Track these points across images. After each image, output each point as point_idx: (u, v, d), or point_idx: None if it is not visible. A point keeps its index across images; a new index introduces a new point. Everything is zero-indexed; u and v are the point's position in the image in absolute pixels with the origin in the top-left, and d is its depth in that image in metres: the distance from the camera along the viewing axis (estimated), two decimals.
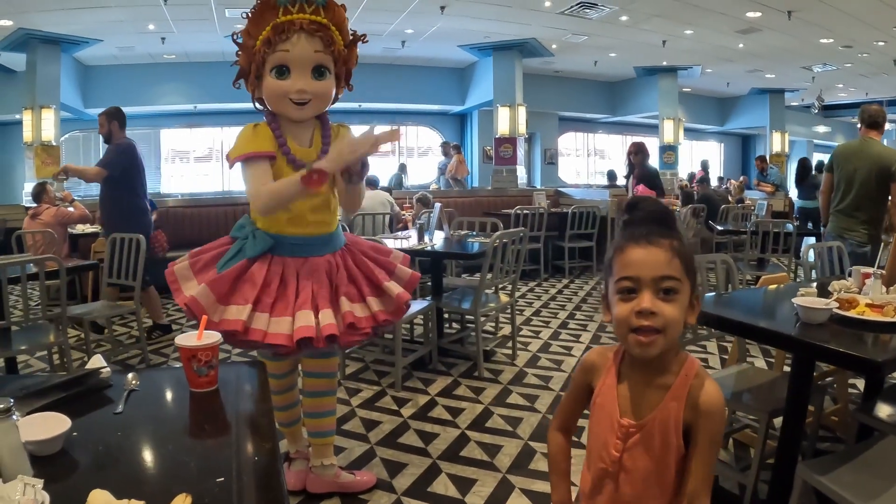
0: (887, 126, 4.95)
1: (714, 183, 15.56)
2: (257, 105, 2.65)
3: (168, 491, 1.11)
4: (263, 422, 1.50)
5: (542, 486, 3.01)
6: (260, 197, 2.45)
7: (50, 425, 1.32)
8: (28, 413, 1.39)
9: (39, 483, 1.04)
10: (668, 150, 14.96)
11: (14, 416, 1.18)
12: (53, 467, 1.24)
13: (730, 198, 11.10)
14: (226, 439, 1.45)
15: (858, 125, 4.98)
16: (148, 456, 1.37)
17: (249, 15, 2.49)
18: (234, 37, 2.57)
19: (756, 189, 13.06)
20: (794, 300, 2.46)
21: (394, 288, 2.73)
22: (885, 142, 4.89)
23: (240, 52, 2.55)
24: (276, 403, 2.96)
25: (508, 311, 5.22)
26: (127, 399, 1.61)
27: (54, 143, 10.64)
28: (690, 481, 1.36)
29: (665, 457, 1.37)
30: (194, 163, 16.04)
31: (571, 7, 10.14)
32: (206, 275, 2.52)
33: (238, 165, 2.51)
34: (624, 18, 10.69)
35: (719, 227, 8.42)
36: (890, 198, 4.67)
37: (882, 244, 3.86)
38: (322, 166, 2.30)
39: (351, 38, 2.60)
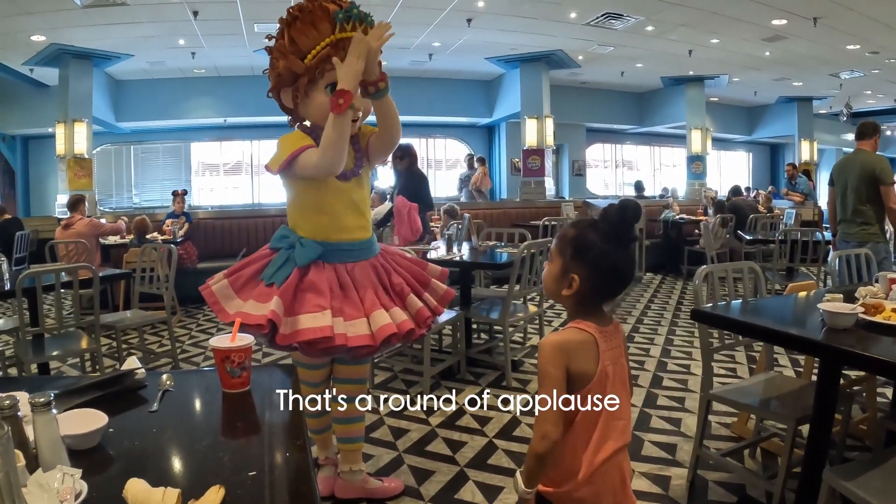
0: None
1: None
2: (287, 107, 2.62)
3: (202, 483, 1.14)
4: (294, 421, 1.52)
5: None
6: (324, 154, 2.37)
7: (87, 421, 1.35)
8: (66, 410, 1.43)
9: (78, 473, 1.07)
10: (696, 161, 14.88)
11: (53, 410, 1.21)
12: (91, 461, 1.27)
13: (760, 207, 10.98)
14: (257, 437, 1.48)
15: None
16: (182, 451, 1.40)
17: (291, 21, 2.44)
18: (269, 40, 2.54)
19: (785, 198, 12.93)
20: (819, 305, 2.46)
21: (438, 287, 2.82)
22: None
23: (278, 59, 2.49)
24: (309, 411, 2.99)
25: (537, 321, 5.22)
26: (161, 399, 1.64)
27: (86, 156, 10.81)
28: None
29: None
30: (224, 176, 16.20)
31: (597, 18, 10.14)
32: (252, 290, 2.51)
33: (281, 176, 2.55)
34: (650, 28, 10.67)
35: (748, 237, 8.35)
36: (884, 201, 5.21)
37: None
38: (341, 85, 2.28)
39: None
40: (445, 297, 2.83)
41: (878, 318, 2.41)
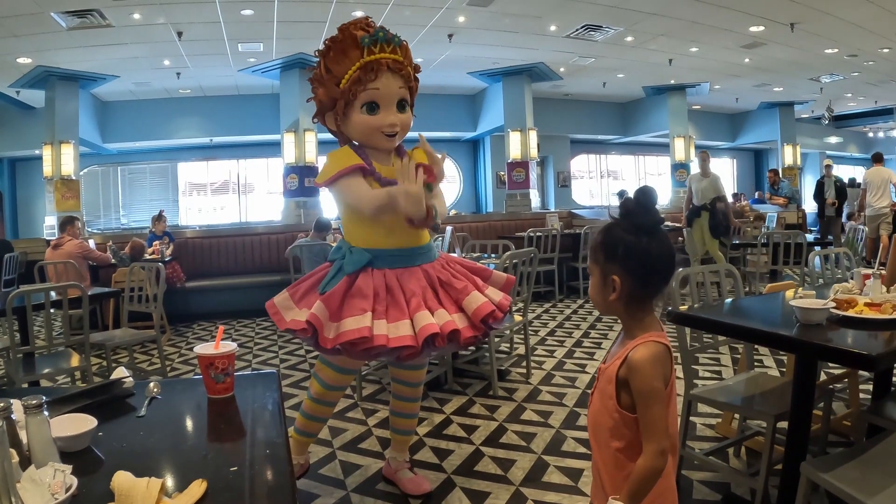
0: None
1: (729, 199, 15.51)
2: (333, 130, 2.81)
3: (186, 479, 1.20)
4: (275, 423, 1.58)
5: (555, 498, 3.05)
6: (370, 201, 2.60)
7: (78, 424, 1.42)
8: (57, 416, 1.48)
9: (68, 469, 1.13)
10: (681, 168, 14.97)
11: (45, 412, 1.27)
12: (81, 461, 1.33)
13: (746, 213, 11.08)
14: (240, 437, 1.55)
15: None
16: (168, 451, 1.46)
17: (325, 52, 2.67)
18: (310, 72, 2.77)
19: (768, 203, 13.04)
20: (791, 302, 2.52)
21: (494, 294, 2.84)
22: None
23: (317, 88, 2.70)
24: (322, 415, 3.12)
25: (522, 331, 5.26)
26: (149, 405, 1.71)
27: (74, 178, 10.83)
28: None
29: (606, 402, 1.66)
30: (211, 195, 16.21)
31: (577, 30, 10.24)
32: (309, 300, 2.63)
33: (329, 190, 2.75)
34: (629, 39, 10.78)
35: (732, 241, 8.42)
36: None
37: None
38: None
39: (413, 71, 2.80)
40: (502, 303, 2.83)
41: (850, 313, 2.48)
